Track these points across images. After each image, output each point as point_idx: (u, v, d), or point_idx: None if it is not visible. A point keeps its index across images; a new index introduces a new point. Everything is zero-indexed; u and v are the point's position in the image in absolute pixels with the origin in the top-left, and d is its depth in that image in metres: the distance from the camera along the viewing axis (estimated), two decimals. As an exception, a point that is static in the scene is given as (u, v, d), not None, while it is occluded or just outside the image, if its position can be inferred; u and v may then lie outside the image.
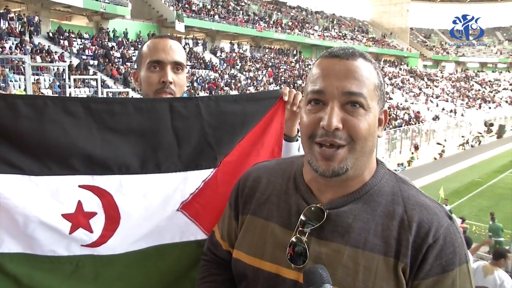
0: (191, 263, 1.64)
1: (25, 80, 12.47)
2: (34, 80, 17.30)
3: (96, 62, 26.40)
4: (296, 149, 1.82)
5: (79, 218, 1.45)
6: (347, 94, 1.08)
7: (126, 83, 23.92)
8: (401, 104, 43.53)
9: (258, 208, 1.29)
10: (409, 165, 25.17)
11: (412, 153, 27.65)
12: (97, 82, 15.20)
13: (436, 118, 41.61)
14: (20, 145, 1.37)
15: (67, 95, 11.71)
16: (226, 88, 31.03)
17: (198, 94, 25.39)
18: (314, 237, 1.14)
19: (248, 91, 26.90)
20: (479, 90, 60.28)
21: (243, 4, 49.29)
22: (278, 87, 26.89)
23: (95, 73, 22.69)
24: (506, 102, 56.28)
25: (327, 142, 1.09)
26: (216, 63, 36.97)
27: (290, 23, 51.33)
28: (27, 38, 24.17)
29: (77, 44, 27.75)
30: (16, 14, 27.09)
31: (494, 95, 58.54)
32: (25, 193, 1.37)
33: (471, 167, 26.33)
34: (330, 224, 1.13)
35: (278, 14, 52.83)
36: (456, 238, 1.08)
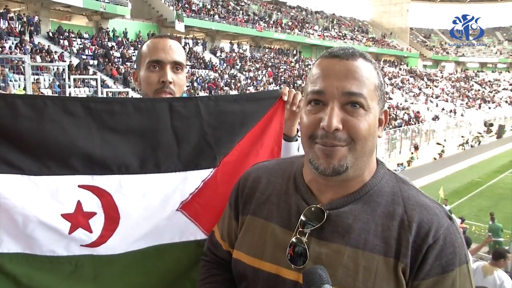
0: (190, 263, 1.64)
1: (25, 80, 12.46)
2: (34, 79, 17.32)
3: (96, 62, 26.40)
4: (295, 149, 1.82)
5: (78, 218, 1.45)
6: (347, 95, 1.08)
7: (126, 83, 23.92)
8: (401, 104, 43.54)
9: (258, 208, 1.28)
10: (408, 165, 25.18)
11: (412, 153, 27.66)
12: (97, 82, 15.20)
13: (436, 118, 41.62)
14: (19, 145, 1.37)
15: (67, 95, 11.71)
16: (226, 88, 31.03)
17: (198, 94, 25.40)
18: (314, 238, 1.14)
19: (248, 91, 26.87)
20: (479, 90, 60.30)
21: (243, 4, 49.29)
22: (278, 87, 26.92)
23: (95, 73, 22.68)
24: (506, 102, 56.30)
25: (327, 144, 1.09)
26: (216, 63, 36.97)
27: (290, 23, 51.33)
28: (27, 38, 24.17)
29: (77, 44, 27.74)
30: (16, 14, 27.09)
31: (494, 95, 58.56)
32: (24, 193, 1.37)
33: (471, 167, 26.33)
34: (330, 224, 1.13)
35: (278, 14, 52.82)
36: (456, 238, 1.08)
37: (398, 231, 1.08)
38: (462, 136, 35.44)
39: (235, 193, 1.38)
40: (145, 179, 1.53)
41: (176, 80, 1.79)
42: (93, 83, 20.18)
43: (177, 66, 1.80)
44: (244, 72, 37.65)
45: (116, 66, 26.74)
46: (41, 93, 17.49)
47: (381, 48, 59.96)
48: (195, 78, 30.13)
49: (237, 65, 38.75)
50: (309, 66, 44.75)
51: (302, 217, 1.17)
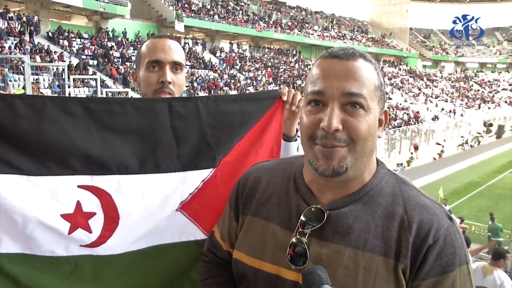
0: (190, 263, 1.64)
1: (24, 80, 12.44)
2: (34, 79, 17.29)
3: (95, 62, 26.39)
4: (295, 149, 1.82)
5: (78, 218, 1.45)
6: (347, 95, 1.08)
7: (126, 83, 23.92)
8: (400, 104, 43.55)
9: (258, 208, 1.28)
10: (408, 165, 25.20)
11: (412, 153, 27.67)
12: (96, 82, 15.18)
13: (435, 118, 41.64)
14: (19, 145, 1.37)
15: (67, 94, 11.69)
16: (226, 88, 31.03)
17: (197, 94, 25.40)
18: (315, 238, 1.14)
19: (247, 91, 26.89)
20: (479, 90, 60.34)
21: (242, 4, 49.29)
22: (277, 87, 26.92)
23: (94, 73, 22.66)
24: (505, 102, 56.34)
25: (327, 145, 1.09)
26: (215, 63, 36.97)
27: (289, 23, 51.33)
28: (27, 37, 24.16)
29: (77, 44, 27.74)
30: (16, 14, 27.07)
31: (493, 96, 58.60)
32: (23, 193, 1.37)
33: (470, 167, 26.34)
34: (331, 225, 1.13)
35: (277, 14, 52.82)
36: (456, 238, 1.08)
37: (398, 232, 1.08)
38: (462, 136, 35.47)
39: (235, 193, 1.37)
40: (144, 179, 1.53)
41: (175, 80, 1.78)
42: (93, 83, 20.18)
43: (176, 66, 1.80)
44: (243, 72, 37.66)
45: (116, 66, 26.74)
46: (41, 93, 17.49)
47: (381, 48, 59.97)
48: (194, 78, 30.12)
49: (237, 65, 38.76)
50: (308, 66, 44.78)
51: (302, 218, 1.16)
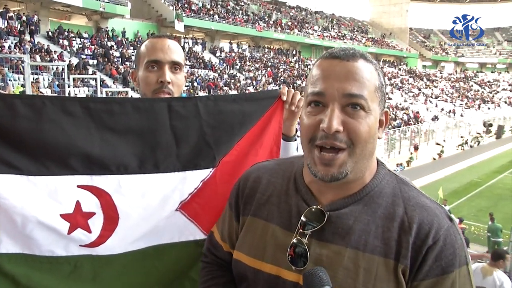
0: (190, 263, 1.64)
1: (24, 79, 12.44)
2: (33, 79, 17.28)
3: (95, 62, 26.39)
4: (294, 148, 1.82)
5: (77, 218, 1.44)
6: (348, 96, 1.07)
7: (125, 83, 23.91)
8: (400, 104, 43.56)
9: (258, 209, 1.28)
10: (408, 166, 25.20)
11: (411, 153, 27.67)
12: (96, 82, 15.18)
13: (435, 118, 41.65)
14: (18, 145, 1.36)
15: (66, 94, 11.69)
16: (226, 88, 31.03)
17: (197, 94, 25.40)
18: (315, 239, 1.13)
19: (247, 91, 26.89)
20: (478, 90, 60.34)
21: (242, 4, 49.28)
22: (277, 87, 26.91)
23: (94, 73, 22.63)
24: (505, 102, 56.35)
25: (327, 144, 1.08)
26: (215, 63, 36.97)
27: (289, 23, 51.32)
28: (27, 37, 24.16)
29: (77, 43, 27.73)
30: (15, 13, 27.07)
31: (493, 96, 58.61)
32: (23, 193, 1.37)
33: (470, 168, 26.35)
34: (331, 226, 1.13)
35: (277, 14, 52.82)
36: (456, 239, 1.08)
37: (398, 232, 1.08)
38: (462, 137, 35.48)
39: (235, 193, 1.37)
40: (144, 179, 1.52)
41: (174, 80, 1.78)
42: (93, 82, 20.20)
43: (175, 66, 1.80)
44: (243, 72, 37.65)
45: (116, 65, 26.74)
46: (41, 92, 17.50)
47: (381, 48, 59.96)
48: (194, 78, 30.12)
49: (237, 65, 38.75)
50: (308, 66, 44.79)
51: (302, 218, 1.16)
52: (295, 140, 1.82)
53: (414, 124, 35.64)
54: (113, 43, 30.41)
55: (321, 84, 1.10)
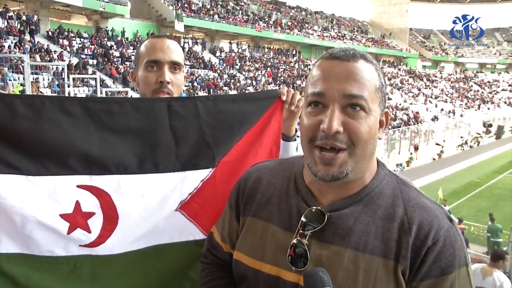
0: (189, 263, 1.64)
1: (24, 79, 12.44)
2: (33, 79, 17.27)
3: (95, 61, 26.40)
4: (294, 148, 1.82)
5: (77, 218, 1.44)
6: (348, 97, 1.07)
7: (125, 83, 23.91)
8: (400, 104, 43.58)
9: (258, 209, 1.27)
10: (408, 166, 25.21)
11: (411, 153, 27.68)
12: (96, 81, 15.19)
13: (435, 118, 41.66)
14: (18, 145, 1.36)
15: (66, 94, 11.70)
16: (225, 88, 31.03)
17: (197, 94, 25.40)
18: (315, 240, 1.13)
19: (247, 91, 26.88)
20: (478, 91, 60.37)
21: (242, 4, 49.28)
22: (277, 87, 26.91)
23: (94, 72, 22.64)
24: (505, 103, 56.38)
25: (327, 145, 1.08)
26: (215, 63, 36.98)
27: (289, 23, 51.32)
28: (27, 37, 24.16)
29: (76, 43, 27.74)
30: (15, 13, 27.07)
31: (493, 96, 58.63)
32: (22, 193, 1.36)
33: (470, 168, 26.35)
34: (331, 226, 1.12)
35: (277, 14, 52.83)
36: (456, 240, 1.08)
37: (398, 233, 1.08)
38: (461, 137, 35.51)
39: (236, 194, 1.36)
40: (143, 179, 1.52)
41: (174, 80, 1.78)
42: (92, 82, 20.19)
43: (175, 66, 1.80)
44: (243, 72, 37.66)
45: (116, 65, 26.75)
46: (40, 92, 17.50)
47: (381, 48, 59.99)
48: (194, 78, 30.13)
49: (237, 65, 38.76)
50: (308, 66, 44.80)
51: (302, 219, 1.16)
52: (295, 140, 1.82)
53: (414, 124, 35.66)
54: (113, 43, 30.42)
55: (321, 84, 1.10)
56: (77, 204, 1.44)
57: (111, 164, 1.48)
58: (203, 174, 1.61)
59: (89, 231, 1.46)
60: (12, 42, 22.68)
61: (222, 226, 1.41)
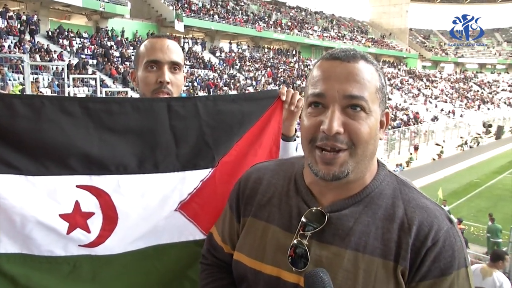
0: (189, 263, 1.64)
1: (23, 79, 12.45)
2: (33, 79, 17.28)
3: (95, 61, 26.40)
4: (293, 148, 1.82)
5: (76, 218, 1.44)
6: (348, 98, 1.07)
7: (125, 83, 23.91)
8: (400, 104, 43.57)
9: (259, 210, 1.27)
10: (407, 166, 25.22)
11: (411, 153, 27.68)
12: (96, 81, 15.20)
13: (434, 119, 41.67)
14: (17, 145, 1.36)
15: (66, 94, 11.70)
16: (225, 88, 31.03)
17: (197, 94, 25.40)
18: (315, 240, 1.13)
19: (247, 91, 26.89)
20: (478, 91, 60.39)
21: (242, 4, 49.29)
22: (277, 87, 26.92)
23: (94, 72, 22.65)
24: (505, 103, 56.39)
25: (327, 146, 1.08)
26: (215, 63, 36.98)
27: (289, 23, 51.33)
28: (27, 37, 24.16)
29: (76, 43, 27.74)
30: (15, 13, 27.06)
31: (492, 96, 58.64)
32: (22, 193, 1.36)
33: (470, 168, 26.36)
34: (331, 227, 1.12)
35: (277, 14, 52.84)
36: (455, 241, 1.07)
37: (398, 234, 1.08)
38: (461, 137, 35.51)
39: (236, 194, 1.36)
40: (143, 179, 1.52)
41: (173, 80, 1.78)
42: (92, 82, 20.19)
43: (174, 66, 1.80)
44: (243, 72, 37.67)
45: (115, 65, 26.75)
46: (40, 92, 17.49)
47: (380, 48, 60.00)
48: (194, 78, 30.13)
49: (236, 65, 38.76)
50: (308, 67, 44.80)
51: (303, 219, 1.16)
52: (295, 140, 1.82)
53: (414, 124, 35.65)
54: (112, 43, 30.43)
55: (321, 85, 1.10)
56: (77, 204, 1.44)
57: (111, 164, 1.47)
58: (202, 174, 1.61)
59: (88, 231, 1.46)
60: (12, 42, 22.69)
61: (222, 227, 1.41)
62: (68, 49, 26.23)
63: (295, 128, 1.85)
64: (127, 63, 27.57)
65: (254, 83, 35.51)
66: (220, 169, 1.63)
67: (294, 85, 37.34)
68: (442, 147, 30.55)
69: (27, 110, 1.36)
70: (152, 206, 1.54)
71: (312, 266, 1.10)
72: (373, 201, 1.14)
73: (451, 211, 15.36)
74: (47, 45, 24.62)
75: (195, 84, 29.04)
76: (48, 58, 22.11)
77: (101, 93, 14.97)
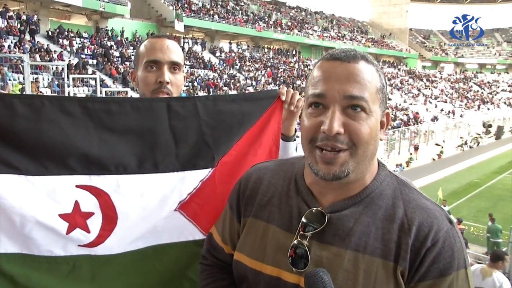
0: (189, 263, 1.64)
1: (23, 79, 12.44)
2: (33, 79, 17.27)
3: (95, 61, 26.40)
4: (293, 148, 1.82)
5: (76, 218, 1.44)
6: (349, 98, 1.07)
7: (125, 82, 23.91)
8: (400, 105, 43.58)
9: (259, 210, 1.27)
10: (407, 166, 25.22)
11: (411, 154, 27.68)
12: (96, 81, 15.19)
13: (434, 119, 41.67)
14: (17, 145, 1.36)
15: (66, 94, 11.70)
16: (225, 88, 31.04)
17: (197, 94, 25.40)
18: (315, 241, 1.13)
19: (247, 91, 26.89)
20: (478, 91, 60.40)
21: (242, 4, 49.29)
22: (277, 87, 26.92)
23: (94, 72, 22.65)
24: (505, 103, 56.39)
25: (327, 146, 1.08)
26: (215, 63, 36.98)
27: (289, 23, 51.34)
28: (27, 37, 24.16)
29: (76, 43, 27.74)
30: (15, 13, 27.07)
31: (492, 97, 58.65)
32: (22, 193, 1.36)
33: (470, 168, 26.37)
34: (331, 227, 1.12)
35: (277, 14, 52.85)
36: (455, 242, 1.07)
37: (398, 234, 1.08)
38: (461, 137, 35.52)
39: (236, 194, 1.36)
40: (143, 179, 1.52)
41: (173, 80, 1.78)
42: (92, 82, 20.18)
43: (174, 66, 1.80)
44: (243, 72, 37.67)
45: (115, 65, 26.75)
46: (40, 92, 17.48)
47: (380, 49, 60.01)
48: (194, 78, 30.13)
49: (236, 65, 38.76)
50: (308, 67, 44.82)
51: (303, 219, 1.16)
52: (294, 140, 1.82)
53: (414, 124, 35.66)
54: (112, 43, 30.43)
55: (322, 85, 1.10)
56: (76, 204, 1.44)
57: (111, 164, 1.47)
58: (202, 174, 1.61)
59: (88, 231, 1.46)
60: (12, 42, 22.69)
61: (222, 228, 1.40)
62: (68, 49, 26.23)
63: (295, 128, 1.85)
64: (127, 63, 27.57)
65: (254, 83, 35.51)
66: (219, 169, 1.63)
67: (294, 85, 37.34)
68: (442, 147, 30.56)
69: (27, 110, 1.35)
70: (152, 206, 1.54)
71: (313, 266, 1.10)
72: (373, 201, 1.14)
73: (451, 211, 15.37)
74: (47, 45, 24.62)
75: (195, 84, 29.04)
76: (48, 58, 22.11)
77: (101, 93, 14.97)
